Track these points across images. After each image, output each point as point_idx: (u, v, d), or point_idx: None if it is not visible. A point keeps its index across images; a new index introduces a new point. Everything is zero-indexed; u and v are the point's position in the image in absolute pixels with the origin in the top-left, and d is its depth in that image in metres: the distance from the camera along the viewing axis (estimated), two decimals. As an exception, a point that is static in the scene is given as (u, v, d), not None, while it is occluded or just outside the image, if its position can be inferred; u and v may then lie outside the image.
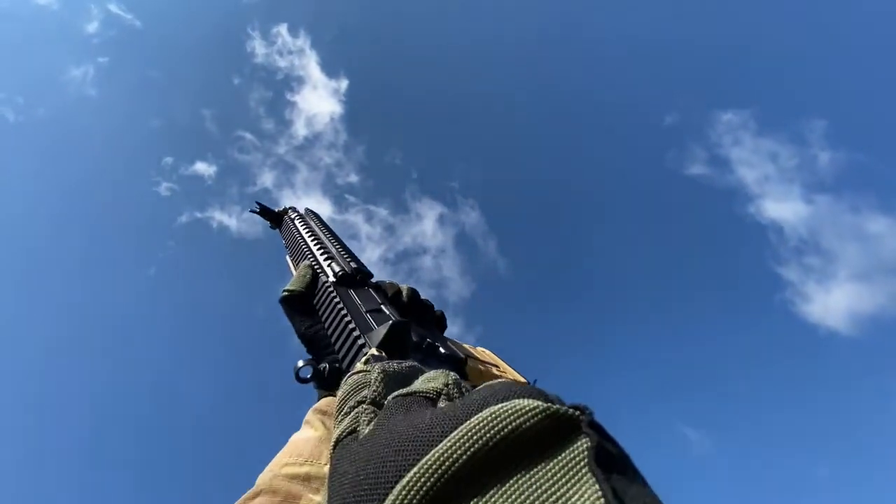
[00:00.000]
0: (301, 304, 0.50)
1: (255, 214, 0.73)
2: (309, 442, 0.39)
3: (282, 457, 0.39)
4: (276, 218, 0.73)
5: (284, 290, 0.51)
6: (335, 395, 0.43)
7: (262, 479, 0.37)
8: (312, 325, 0.48)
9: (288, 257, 0.63)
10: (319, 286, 0.51)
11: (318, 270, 0.53)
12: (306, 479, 0.36)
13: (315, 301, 0.50)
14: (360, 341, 0.43)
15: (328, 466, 0.36)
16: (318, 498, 0.35)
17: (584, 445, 0.13)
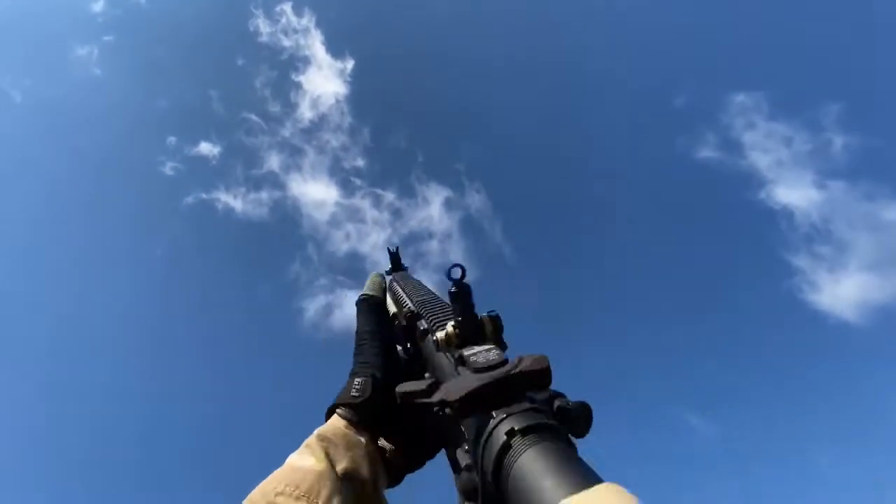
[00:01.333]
0: (373, 307, 0.60)
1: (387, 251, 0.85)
2: (308, 474, 0.38)
3: (277, 481, 0.38)
4: (397, 266, 0.84)
5: (364, 294, 0.62)
6: (344, 423, 0.45)
7: (254, 502, 0.36)
8: (370, 330, 0.55)
9: (391, 295, 0.71)
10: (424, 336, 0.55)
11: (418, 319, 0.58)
12: None
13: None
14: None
15: None
16: None
17: None
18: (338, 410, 0.46)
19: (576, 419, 0.31)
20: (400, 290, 0.67)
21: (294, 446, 0.42)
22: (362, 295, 0.62)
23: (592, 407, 0.31)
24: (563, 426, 0.29)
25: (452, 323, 0.43)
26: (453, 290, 0.42)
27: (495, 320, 0.43)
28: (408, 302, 0.61)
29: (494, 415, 0.30)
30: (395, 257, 0.84)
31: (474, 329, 0.42)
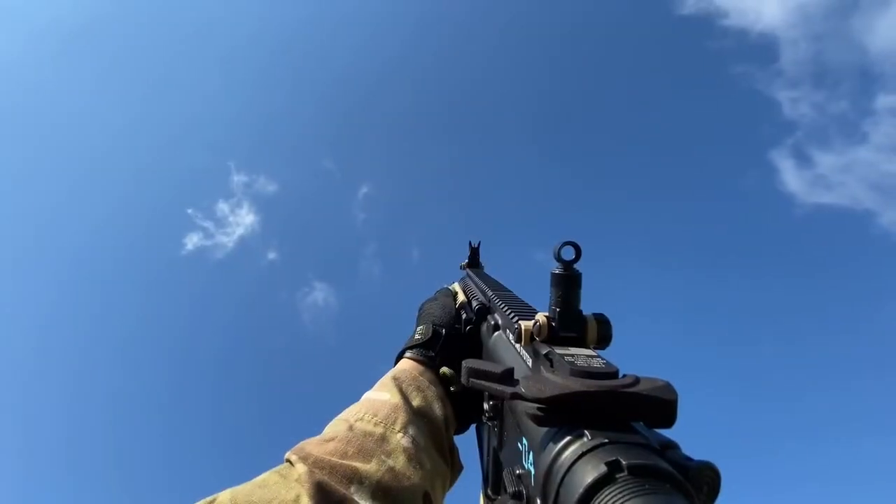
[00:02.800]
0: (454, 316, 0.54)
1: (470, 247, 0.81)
2: (385, 405, 0.39)
3: (357, 411, 0.39)
4: (475, 261, 0.80)
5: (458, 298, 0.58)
6: (413, 364, 0.46)
7: (336, 428, 0.37)
8: (431, 300, 0.57)
9: (461, 285, 0.67)
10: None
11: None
12: (381, 440, 0.36)
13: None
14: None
15: (400, 434, 0.37)
16: (389, 461, 0.35)
17: None
18: (406, 354, 0.48)
19: (696, 484, 0.22)
20: (473, 282, 0.62)
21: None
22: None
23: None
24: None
25: (546, 314, 0.35)
26: (558, 271, 0.34)
27: (603, 325, 0.34)
28: (479, 294, 0.55)
29: (589, 435, 0.23)
30: (474, 252, 0.79)
31: (574, 328, 0.34)
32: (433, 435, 0.40)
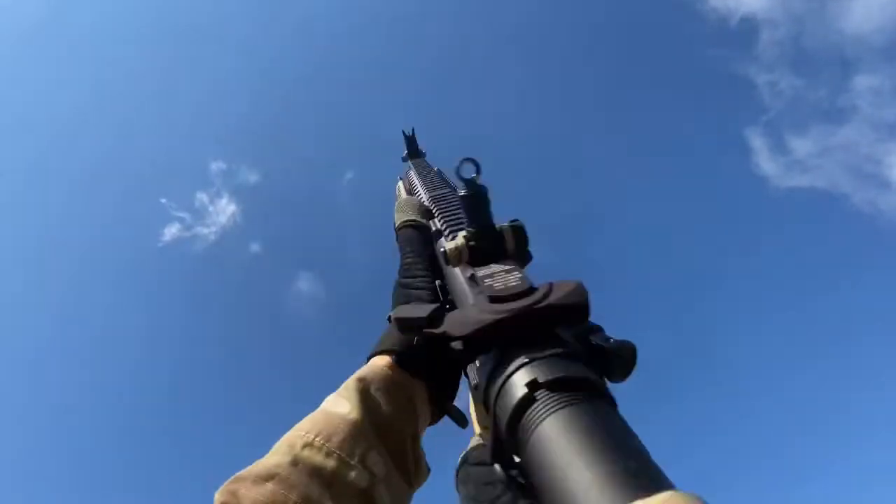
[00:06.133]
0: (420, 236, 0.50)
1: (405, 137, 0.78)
2: (343, 424, 0.33)
3: (308, 430, 0.33)
4: (414, 152, 0.75)
5: (406, 221, 0.51)
6: (387, 363, 0.38)
7: (278, 459, 0.31)
8: (414, 259, 0.46)
9: (405, 185, 0.64)
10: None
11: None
12: (331, 479, 0.30)
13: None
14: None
15: (356, 470, 0.31)
16: None
17: None
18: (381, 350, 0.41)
19: (611, 362, 0.25)
20: (416, 179, 0.59)
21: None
22: (401, 223, 0.51)
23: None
24: (598, 370, 0.24)
25: (464, 233, 0.36)
26: (463, 193, 0.35)
27: (518, 232, 0.36)
28: (422, 193, 0.54)
29: (512, 357, 0.24)
30: (411, 141, 0.74)
31: (492, 242, 0.35)
32: (397, 456, 0.34)
